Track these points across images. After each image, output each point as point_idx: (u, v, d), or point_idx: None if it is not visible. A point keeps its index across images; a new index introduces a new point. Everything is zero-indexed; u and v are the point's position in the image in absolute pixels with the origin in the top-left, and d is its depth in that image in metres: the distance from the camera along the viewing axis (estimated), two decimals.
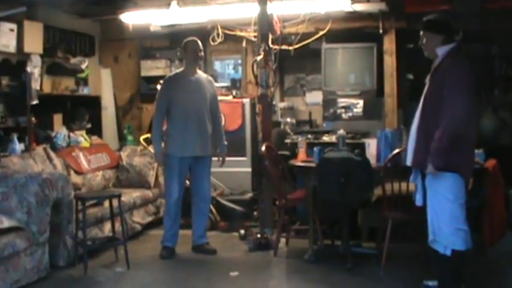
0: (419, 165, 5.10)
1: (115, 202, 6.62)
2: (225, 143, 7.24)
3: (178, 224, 7.03)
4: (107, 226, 7.01)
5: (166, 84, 7.03)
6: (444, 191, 4.97)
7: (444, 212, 4.98)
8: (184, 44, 7.08)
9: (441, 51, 5.13)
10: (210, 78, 7.33)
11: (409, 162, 5.24)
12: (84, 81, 9.54)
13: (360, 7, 8.28)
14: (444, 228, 5.00)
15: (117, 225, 6.84)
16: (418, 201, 5.26)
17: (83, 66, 9.37)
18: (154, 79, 9.79)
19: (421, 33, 5.30)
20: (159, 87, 9.21)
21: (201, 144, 6.90)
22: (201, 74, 7.15)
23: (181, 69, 7.24)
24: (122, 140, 10.05)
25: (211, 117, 7.07)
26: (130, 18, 8.87)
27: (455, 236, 5.00)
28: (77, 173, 7.60)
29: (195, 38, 7.15)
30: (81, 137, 8.46)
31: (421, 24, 5.32)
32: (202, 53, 7.14)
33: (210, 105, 7.04)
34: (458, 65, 5.01)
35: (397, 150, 5.97)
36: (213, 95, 7.12)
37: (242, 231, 7.65)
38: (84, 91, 9.42)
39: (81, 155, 7.89)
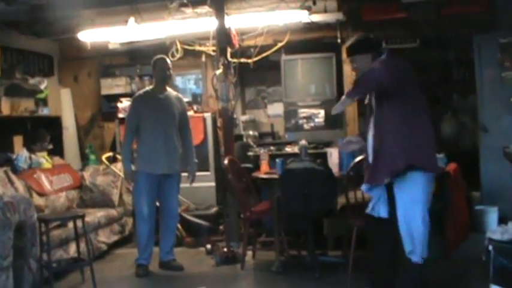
0: (394, 171, 5.03)
1: (79, 223, 6.55)
2: (196, 160, 7.23)
3: (153, 241, 7.01)
4: (72, 247, 6.92)
5: (136, 102, 7.03)
6: (417, 193, 4.96)
7: (417, 219, 4.98)
8: (153, 63, 7.08)
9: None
10: (180, 96, 7.34)
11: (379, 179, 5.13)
12: (44, 102, 9.44)
13: (317, 18, 8.35)
14: (419, 236, 5.02)
15: (82, 246, 6.78)
16: (383, 213, 5.22)
17: (42, 87, 9.28)
18: (115, 97, 9.78)
19: (349, 59, 5.34)
20: (120, 105, 9.26)
21: (169, 162, 6.90)
22: (170, 91, 7.15)
23: (150, 87, 7.24)
24: (84, 159, 9.97)
25: (181, 135, 7.08)
26: (88, 36, 8.81)
27: (426, 243, 5.03)
28: (40, 194, 7.50)
29: (164, 56, 7.18)
30: (43, 158, 8.34)
31: (345, 52, 5.36)
32: (171, 71, 7.12)
33: (179, 123, 7.05)
34: (391, 63, 5.04)
35: (359, 158, 6.00)
36: (182, 113, 7.12)
37: (208, 246, 7.63)
38: (44, 112, 9.33)
39: (43, 176, 7.80)
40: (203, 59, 9.52)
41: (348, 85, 8.82)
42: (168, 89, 7.16)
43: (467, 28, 8.61)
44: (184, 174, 7.16)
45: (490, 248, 4.90)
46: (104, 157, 8.72)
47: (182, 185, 7.23)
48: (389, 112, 5.01)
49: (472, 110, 9.39)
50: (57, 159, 8.80)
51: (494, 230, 5.13)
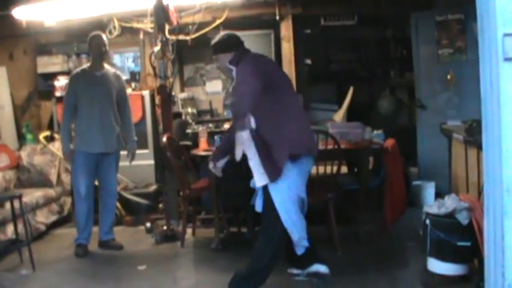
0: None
1: (16, 203, 6.44)
2: (135, 138, 7.19)
3: (92, 220, 6.96)
4: (10, 228, 6.83)
5: (73, 81, 6.92)
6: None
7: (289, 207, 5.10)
8: (89, 40, 6.96)
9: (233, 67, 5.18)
10: (118, 73, 7.24)
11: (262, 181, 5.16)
12: None
13: None
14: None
15: (20, 227, 6.65)
16: (258, 207, 5.33)
17: None
18: (52, 75, 9.61)
19: (214, 58, 5.35)
20: (57, 83, 9.13)
21: (105, 140, 6.84)
22: (108, 69, 7.06)
23: (88, 64, 7.11)
24: (21, 139, 9.79)
25: (120, 113, 7.03)
26: (23, 13, 8.62)
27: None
28: None
29: (99, 33, 7.06)
30: None
31: (211, 49, 5.33)
32: (107, 47, 7.02)
33: (117, 101, 6.98)
34: (242, 68, 5.06)
35: None
36: (119, 91, 7.05)
37: (148, 224, 7.62)
38: None
39: None
40: (141, 36, 9.41)
41: (286, 63, 8.89)
42: (106, 66, 7.07)
43: (405, 6, 8.71)
44: (123, 152, 7.11)
45: (427, 222, 5.01)
46: (41, 136, 8.60)
47: (121, 163, 7.16)
48: (264, 108, 5.03)
49: (410, 87, 9.52)
50: None
51: (431, 204, 5.24)
